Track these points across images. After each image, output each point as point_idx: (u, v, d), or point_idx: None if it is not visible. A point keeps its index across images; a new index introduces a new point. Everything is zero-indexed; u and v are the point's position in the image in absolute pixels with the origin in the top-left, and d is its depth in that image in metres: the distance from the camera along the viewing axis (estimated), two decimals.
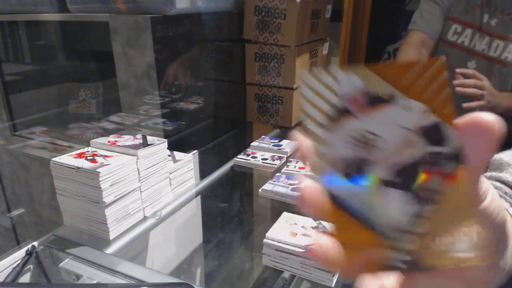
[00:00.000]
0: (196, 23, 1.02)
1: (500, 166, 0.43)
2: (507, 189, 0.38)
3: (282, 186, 0.79)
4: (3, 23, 1.07)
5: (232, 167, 0.95)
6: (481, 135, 0.18)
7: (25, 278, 0.58)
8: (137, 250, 0.64)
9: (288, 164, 0.91)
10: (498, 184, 0.39)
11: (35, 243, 0.61)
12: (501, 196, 0.38)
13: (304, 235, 0.57)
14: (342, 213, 0.20)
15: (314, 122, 0.19)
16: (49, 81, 1.13)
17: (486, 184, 0.21)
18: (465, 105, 1.01)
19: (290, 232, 0.58)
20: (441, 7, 1.26)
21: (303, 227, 0.59)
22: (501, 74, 1.19)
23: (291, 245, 0.55)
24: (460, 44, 1.24)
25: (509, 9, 1.17)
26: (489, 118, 0.18)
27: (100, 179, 0.58)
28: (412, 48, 1.26)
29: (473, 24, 1.21)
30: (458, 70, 1.05)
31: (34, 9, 0.95)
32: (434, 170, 0.19)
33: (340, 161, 0.19)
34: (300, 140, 0.20)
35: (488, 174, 0.42)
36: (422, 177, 0.19)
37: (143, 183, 0.68)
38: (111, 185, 0.60)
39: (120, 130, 0.99)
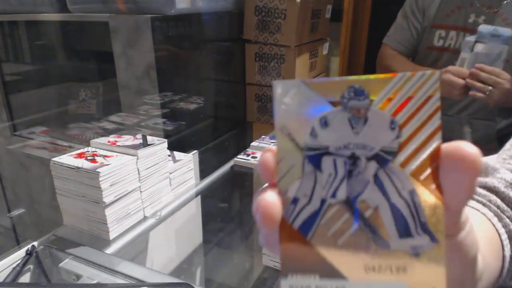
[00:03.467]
0: (196, 23, 1.02)
1: (486, 171, 0.42)
2: (492, 197, 0.37)
3: None
4: (3, 23, 1.07)
5: (232, 167, 0.95)
6: (463, 169, 0.17)
7: (25, 278, 0.58)
8: (137, 250, 0.64)
9: None
10: (483, 191, 0.38)
11: (35, 243, 0.61)
12: (484, 205, 0.37)
13: None
14: None
15: (287, 134, 0.19)
16: (49, 81, 1.12)
17: (466, 215, 0.20)
18: (471, 93, 1.05)
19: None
20: (411, 21, 1.35)
21: None
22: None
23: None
24: (447, 47, 1.27)
25: (495, 6, 1.19)
26: (472, 151, 0.17)
27: (100, 179, 0.58)
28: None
29: (456, 26, 1.25)
30: (477, 65, 1.07)
31: (34, 9, 0.95)
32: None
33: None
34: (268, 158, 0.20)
35: None
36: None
37: (143, 183, 0.68)
38: (111, 185, 0.60)
39: (120, 130, 0.99)
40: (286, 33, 1.13)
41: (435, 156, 0.18)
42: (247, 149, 1.02)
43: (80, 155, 0.64)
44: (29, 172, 1.12)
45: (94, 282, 0.54)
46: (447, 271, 0.18)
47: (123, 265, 0.56)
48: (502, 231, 0.35)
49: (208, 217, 0.76)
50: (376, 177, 0.19)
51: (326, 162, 0.19)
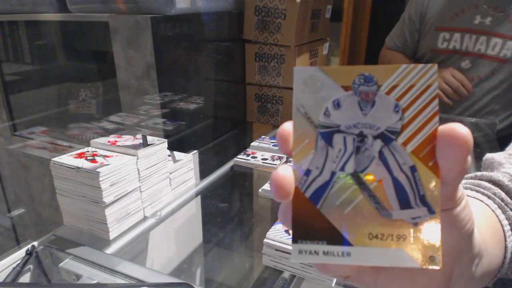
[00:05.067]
0: (196, 23, 1.02)
1: (491, 166, 0.44)
2: (496, 190, 0.39)
3: None
4: (3, 23, 1.07)
5: (232, 167, 0.95)
6: (456, 146, 0.20)
7: (25, 278, 0.58)
8: (137, 250, 0.64)
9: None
10: (487, 184, 0.40)
11: (35, 243, 0.61)
12: (489, 197, 0.38)
13: None
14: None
15: (305, 115, 0.22)
16: (49, 81, 1.12)
17: (462, 192, 0.23)
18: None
19: (291, 232, 0.58)
20: (408, 25, 1.39)
21: None
22: (501, 72, 1.21)
23: (292, 245, 0.55)
24: (452, 49, 1.28)
25: (501, 7, 1.19)
26: (464, 131, 0.20)
27: (100, 179, 0.58)
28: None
29: (460, 28, 1.25)
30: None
31: (34, 9, 0.95)
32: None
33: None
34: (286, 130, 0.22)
35: (479, 173, 0.43)
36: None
37: (143, 183, 0.68)
38: (111, 185, 0.60)
39: (120, 130, 0.99)
40: (286, 33, 1.13)
41: (433, 136, 0.21)
42: (247, 149, 1.02)
43: (80, 155, 0.64)
44: (29, 172, 1.12)
45: (94, 282, 0.54)
46: (443, 241, 0.21)
47: (123, 265, 0.56)
48: (505, 222, 0.36)
49: (208, 217, 0.76)
50: (380, 153, 0.21)
51: (337, 139, 0.22)
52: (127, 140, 0.71)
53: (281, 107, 1.23)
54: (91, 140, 0.70)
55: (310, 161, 0.22)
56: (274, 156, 0.97)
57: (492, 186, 0.40)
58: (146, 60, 0.87)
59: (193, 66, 1.05)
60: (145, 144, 0.69)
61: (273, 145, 1.03)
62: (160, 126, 0.98)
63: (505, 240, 0.34)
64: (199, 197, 0.81)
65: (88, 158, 0.63)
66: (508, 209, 0.37)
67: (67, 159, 0.63)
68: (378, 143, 0.21)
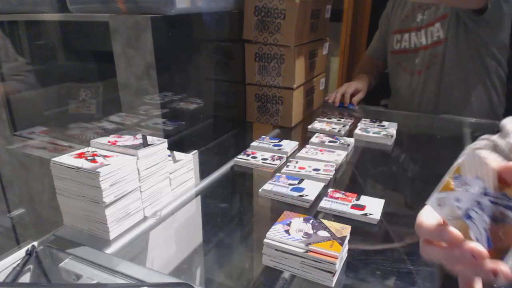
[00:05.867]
0: (196, 23, 1.02)
1: (505, 133, 0.51)
2: (496, 154, 0.48)
3: (282, 186, 0.79)
4: (3, 23, 1.07)
5: (232, 167, 0.95)
6: None
7: (25, 278, 0.58)
8: (137, 250, 0.64)
9: (288, 164, 0.91)
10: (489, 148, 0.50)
11: (35, 243, 0.61)
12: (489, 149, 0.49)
13: (305, 234, 0.57)
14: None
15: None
16: (49, 81, 1.12)
17: None
18: None
19: (291, 232, 0.58)
20: (381, 31, 1.60)
21: (301, 228, 0.59)
22: (440, 53, 1.33)
23: (291, 245, 0.55)
24: (404, 49, 1.44)
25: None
26: None
27: (100, 179, 0.58)
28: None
29: (408, 29, 1.41)
30: None
31: (34, 9, 0.95)
32: None
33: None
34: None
35: (493, 137, 0.53)
36: None
37: (143, 183, 0.68)
38: (111, 185, 0.60)
39: (120, 130, 0.99)
40: (286, 33, 1.13)
41: None
42: (247, 149, 1.02)
43: (80, 155, 0.64)
44: (29, 172, 1.12)
45: (94, 282, 0.54)
46: None
47: (123, 265, 0.56)
48: None
49: (208, 217, 0.76)
50: None
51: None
52: (127, 140, 0.71)
53: (281, 107, 1.23)
54: (91, 140, 0.70)
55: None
56: (274, 156, 0.97)
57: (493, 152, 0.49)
58: (146, 60, 0.87)
59: (193, 66, 1.05)
60: (145, 144, 0.69)
61: (273, 145, 1.03)
62: (160, 126, 0.98)
63: None
64: (199, 197, 0.81)
65: (88, 158, 0.63)
66: None
67: (67, 159, 0.63)
68: None
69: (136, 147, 0.67)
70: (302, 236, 0.56)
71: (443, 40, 1.30)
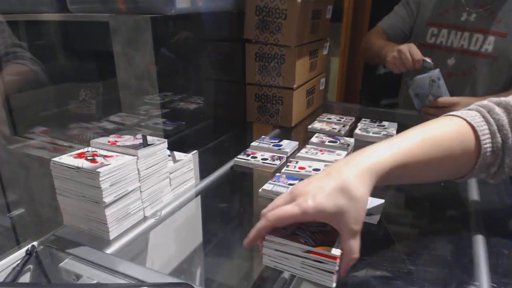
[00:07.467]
0: (196, 23, 1.02)
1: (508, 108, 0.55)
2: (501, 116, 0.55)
3: (282, 186, 0.79)
4: (3, 23, 1.07)
5: (232, 167, 0.95)
6: None
7: (25, 278, 0.58)
8: (137, 250, 0.64)
9: (288, 164, 0.91)
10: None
11: (35, 243, 0.61)
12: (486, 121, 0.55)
13: (304, 235, 0.57)
14: None
15: None
16: (49, 81, 1.12)
17: None
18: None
19: (291, 232, 0.58)
20: (407, 11, 1.43)
21: (301, 228, 0.59)
22: (482, 66, 1.26)
23: (291, 245, 0.55)
24: (439, 45, 1.34)
25: (482, 2, 1.24)
26: None
27: (100, 179, 0.58)
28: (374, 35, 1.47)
29: (448, 24, 1.31)
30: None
31: (34, 9, 0.95)
32: None
33: None
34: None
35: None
36: None
37: (143, 183, 0.68)
38: (111, 185, 0.60)
39: (120, 130, 0.99)
40: (287, 33, 1.13)
41: None
42: (247, 149, 1.02)
43: (80, 155, 0.64)
44: (29, 172, 1.12)
45: (94, 282, 0.54)
46: None
47: (123, 265, 0.56)
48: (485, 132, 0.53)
49: (208, 217, 0.76)
50: None
51: None
52: (127, 140, 0.71)
53: (281, 107, 1.23)
54: (91, 140, 0.70)
55: None
56: (274, 156, 0.97)
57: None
58: (146, 60, 0.87)
59: (193, 66, 1.05)
60: (145, 144, 0.69)
61: (273, 145, 1.03)
62: (160, 126, 0.98)
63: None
64: (199, 197, 0.81)
65: (88, 158, 0.63)
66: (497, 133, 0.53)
67: (67, 159, 0.63)
68: None
69: (136, 147, 0.67)
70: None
71: (491, 56, 1.22)
